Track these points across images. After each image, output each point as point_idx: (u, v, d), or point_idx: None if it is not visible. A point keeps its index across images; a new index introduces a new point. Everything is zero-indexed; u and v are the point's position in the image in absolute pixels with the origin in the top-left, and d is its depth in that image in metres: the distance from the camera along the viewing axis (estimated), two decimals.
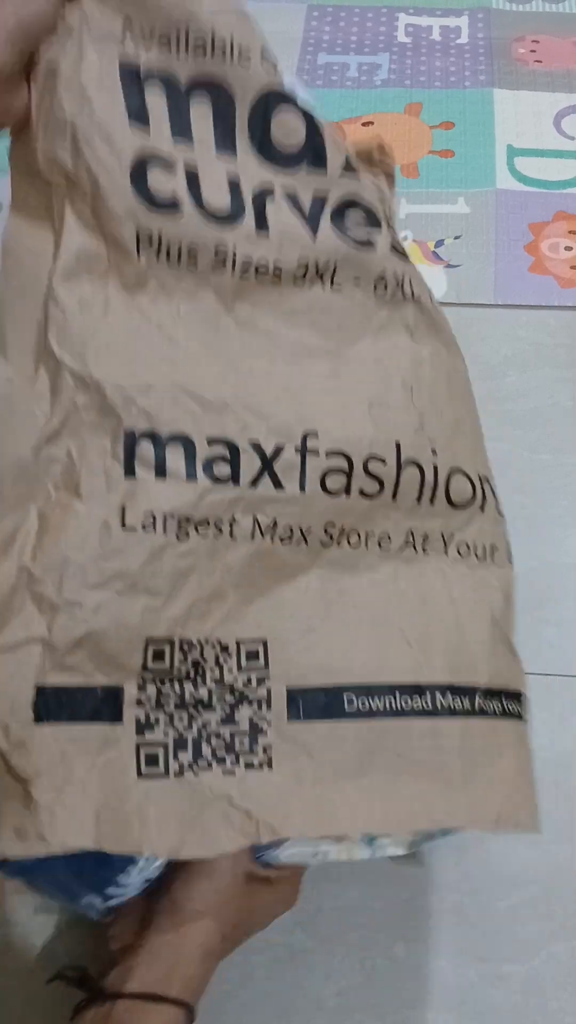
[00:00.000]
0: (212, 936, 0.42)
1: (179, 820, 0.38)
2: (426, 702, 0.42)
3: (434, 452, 0.45)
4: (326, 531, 0.43)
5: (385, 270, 0.46)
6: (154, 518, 0.39)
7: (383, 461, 0.43)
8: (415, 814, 0.41)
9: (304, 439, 0.42)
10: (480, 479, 0.47)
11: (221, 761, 0.39)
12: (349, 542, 0.44)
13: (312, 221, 0.44)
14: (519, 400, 0.77)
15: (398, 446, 0.44)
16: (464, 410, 0.49)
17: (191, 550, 0.40)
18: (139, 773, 0.38)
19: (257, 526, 0.41)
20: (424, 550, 0.45)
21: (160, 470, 0.39)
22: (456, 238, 0.87)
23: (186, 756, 0.39)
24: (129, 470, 0.39)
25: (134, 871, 0.43)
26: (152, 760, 0.38)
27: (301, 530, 0.42)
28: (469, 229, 0.87)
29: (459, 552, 0.46)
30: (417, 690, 0.42)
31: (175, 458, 0.40)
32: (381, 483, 0.43)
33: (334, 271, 0.45)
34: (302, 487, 0.42)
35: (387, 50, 1.03)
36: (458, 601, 0.45)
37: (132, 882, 0.43)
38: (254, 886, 0.44)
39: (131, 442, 0.39)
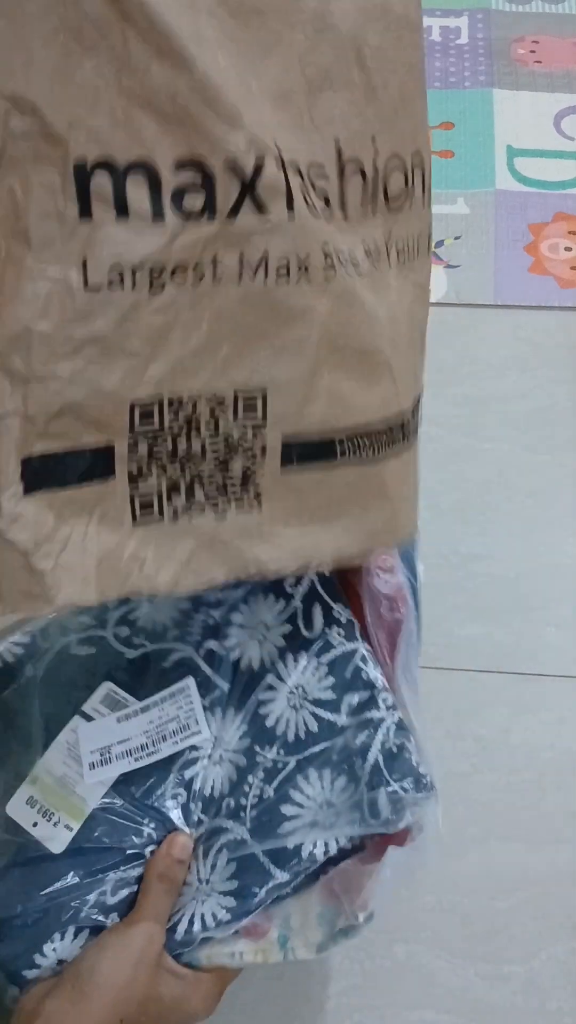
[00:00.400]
0: (108, 1014, 0.42)
1: (174, 560, 0.39)
2: (399, 435, 0.43)
3: (372, 140, 0.39)
4: (327, 263, 0.38)
5: None
6: (121, 274, 0.34)
7: (320, 166, 0.37)
8: (379, 535, 0.44)
9: (279, 149, 0.36)
10: (413, 161, 0.41)
11: (213, 505, 0.40)
12: (335, 270, 0.38)
13: None
14: (519, 400, 0.77)
15: (338, 148, 0.38)
16: (415, 81, 0.42)
17: (169, 303, 0.36)
18: (134, 520, 0.39)
19: (245, 264, 0.36)
20: (378, 264, 0.41)
21: (121, 208, 0.34)
22: (456, 239, 0.87)
23: (179, 500, 0.39)
24: (85, 210, 0.34)
25: (48, 948, 0.45)
26: (146, 506, 0.39)
27: (300, 261, 0.37)
28: (469, 230, 0.87)
29: (398, 258, 0.42)
30: (399, 424, 0.43)
31: (137, 193, 0.34)
32: (327, 199, 0.38)
33: None
34: (290, 211, 0.36)
35: None
36: (409, 314, 0.43)
37: (47, 963, 0.45)
38: (165, 977, 0.44)
39: (83, 175, 0.33)
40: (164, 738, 0.51)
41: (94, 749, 0.51)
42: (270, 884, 0.47)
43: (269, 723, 0.50)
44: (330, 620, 0.52)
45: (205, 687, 0.52)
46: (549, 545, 0.69)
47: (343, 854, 0.47)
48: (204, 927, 0.46)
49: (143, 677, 0.53)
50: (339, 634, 0.51)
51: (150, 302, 0.35)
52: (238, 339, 0.38)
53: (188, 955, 0.47)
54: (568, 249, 0.85)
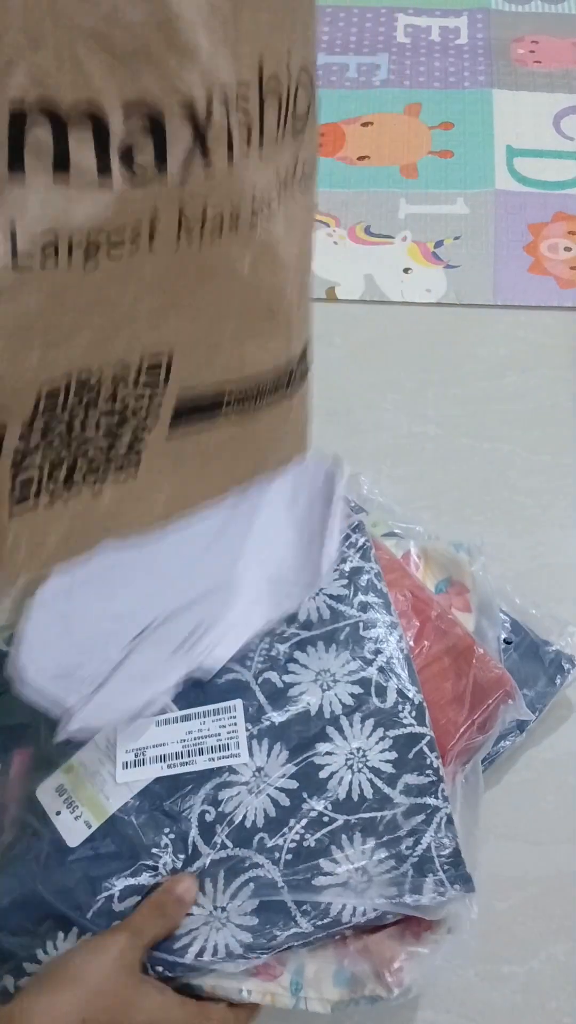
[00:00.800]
0: (75, 1009, 0.41)
1: (47, 543, 0.38)
2: (283, 384, 0.42)
3: (289, 54, 0.33)
4: (253, 210, 0.34)
5: None
6: (56, 247, 0.29)
7: (247, 96, 0.31)
8: (247, 476, 0.44)
9: (220, 81, 0.30)
10: (312, 80, 0.36)
11: (92, 483, 0.38)
12: (258, 217, 0.34)
13: None
14: (518, 400, 0.77)
15: (261, 66, 0.31)
16: None
17: (103, 280, 0.31)
18: (11, 507, 0.36)
19: (183, 225, 0.32)
20: (286, 196, 0.36)
21: (61, 163, 0.28)
22: (455, 239, 0.87)
23: (58, 483, 0.37)
24: (16, 165, 0.27)
25: (50, 945, 0.46)
26: (24, 493, 0.36)
27: (232, 213, 0.33)
28: (468, 230, 0.87)
29: (300, 184, 0.37)
30: (286, 373, 0.42)
31: (81, 145, 0.28)
32: (249, 130, 0.32)
33: None
34: (230, 155, 0.31)
35: (386, 50, 1.03)
36: (307, 245, 0.39)
37: (47, 959, 0.46)
38: (144, 987, 0.44)
39: (19, 121, 0.27)
40: (201, 752, 0.51)
41: (130, 749, 0.51)
42: (292, 931, 0.47)
43: (323, 775, 0.50)
44: (404, 698, 0.52)
45: (256, 715, 0.52)
46: (549, 545, 0.69)
47: (368, 923, 0.48)
48: (215, 956, 0.46)
49: (193, 689, 0.53)
50: (410, 714, 0.52)
51: (83, 279, 0.30)
52: (159, 305, 0.34)
53: (192, 980, 0.47)
54: (568, 249, 0.85)
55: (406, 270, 0.85)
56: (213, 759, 0.51)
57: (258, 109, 0.32)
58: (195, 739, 0.51)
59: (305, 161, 0.37)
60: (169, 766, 0.50)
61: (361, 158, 0.93)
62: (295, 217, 0.37)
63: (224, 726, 0.51)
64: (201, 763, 0.50)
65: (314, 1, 0.34)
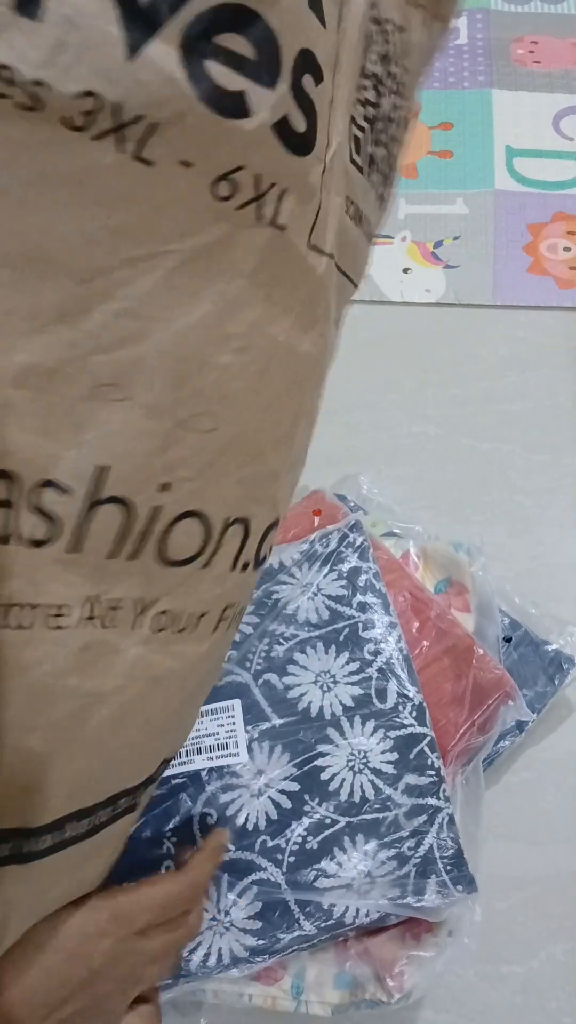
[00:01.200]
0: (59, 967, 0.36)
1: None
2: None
3: (165, 488, 0.29)
4: None
5: (247, 160, 0.26)
6: None
7: (64, 490, 0.26)
8: None
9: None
10: (226, 524, 0.31)
11: None
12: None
13: (135, 26, 0.23)
14: (518, 400, 0.77)
15: (101, 473, 0.27)
16: (274, 419, 0.31)
17: None
18: None
19: None
20: (105, 624, 0.30)
21: None
22: (455, 239, 0.87)
23: None
24: None
25: None
26: None
27: None
28: (468, 230, 0.87)
29: (153, 626, 0.31)
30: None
31: None
32: (53, 520, 0.27)
33: (148, 131, 0.24)
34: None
35: None
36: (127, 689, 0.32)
37: None
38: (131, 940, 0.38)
39: None
40: (199, 751, 0.51)
41: None
42: (296, 934, 0.47)
43: (324, 776, 0.50)
44: (404, 699, 0.52)
45: (257, 717, 0.52)
46: (549, 545, 0.69)
47: (371, 924, 0.48)
48: (220, 962, 0.46)
49: None
50: (411, 715, 0.52)
51: None
52: None
53: (196, 987, 0.47)
54: (567, 249, 0.85)
55: (405, 270, 0.85)
56: (212, 758, 0.50)
57: (76, 515, 0.28)
58: (194, 739, 0.51)
59: (171, 611, 0.31)
60: (168, 765, 0.50)
61: None
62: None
63: (222, 725, 0.51)
64: (200, 762, 0.50)
65: (263, 440, 0.31)
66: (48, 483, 0.26)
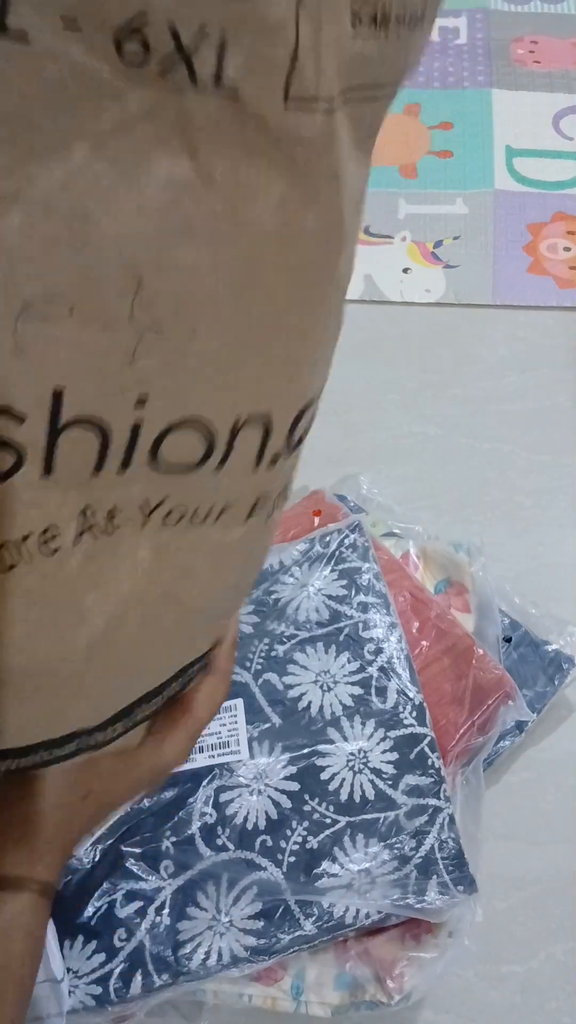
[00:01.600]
0: (66, 792, 0.34)
1: None
2: None
3: (141, 402, 0.26)
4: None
5: (149, 4, 0.20)
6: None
7: (18, 418, 0.24)
8: None
9: None
10: (235, 425, 0.29)
11: None
12: None
13: None
14: (518, 400, 0.77)
15: (57, 396, 0.25)
16: (280, 309, 0.27)
17: None
18: None
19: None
20: (108, 531, 0.29)
21: None
22: (455, 239, 0.87)
23: None
24: None
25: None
26: None
27: None
28: (468, 230, 0.87)
29: (169, 521, 0.30)
30: None
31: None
32: (17, 449, 0.25)
33: None
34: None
35: None
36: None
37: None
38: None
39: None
40: (201, 749, 0.51)
41: None
42: (296, 934, 0.47)
43: (324, 776, 0.50)
44: (404, 699, 0.52)
45: (257, 717, 0.52)
46: (549, 545, 0.69)
47: (371, 925, 0.48)
48: (219, 962, 0.46)
49: None
50: (411, 715, 0.52)
51: None
52: None
53: (196, 987, 0.47)
54: (567, 249, 0.85)
55: (405, 270, 0.85)
56: (214, 756, 0.51)
57: (43, 442, 0.26)
58: None
59: (184, 506, 0.30)
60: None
61: None
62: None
63: (224, 724, 0.51)
64: (201, 760, 0.50)
65: (267, 337, 0.28)
66: (1, 412, 0.24)
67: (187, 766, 0.50)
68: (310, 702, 0.52)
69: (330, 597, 0.56)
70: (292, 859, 0.48)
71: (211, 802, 0.50)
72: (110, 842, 0.49)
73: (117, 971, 0.46)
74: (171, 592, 0.31)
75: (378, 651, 0.54)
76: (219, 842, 0.49)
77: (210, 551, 0.32)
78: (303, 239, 0.26)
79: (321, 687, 0.53)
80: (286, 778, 0.50)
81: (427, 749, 0.51)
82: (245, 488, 0.31)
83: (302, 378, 0.30)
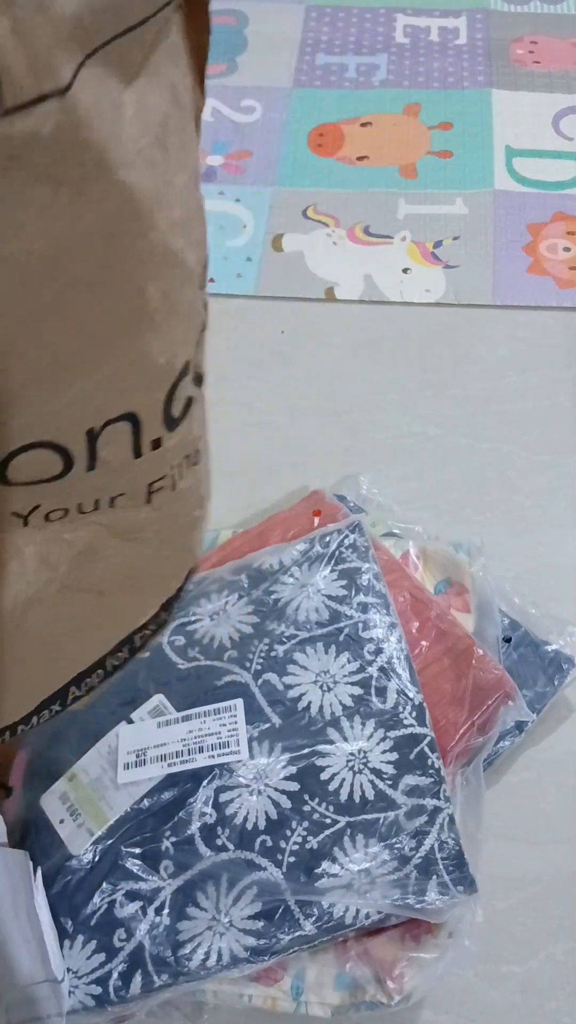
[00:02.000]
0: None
1: None
2: None
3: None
4: None
5: None
6: None
7: None
8: None
9: None
10: (92, 433, 0.27)
11: None
12: None
13: None
14: (517, 400, 0.77)
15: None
16: (101, 308, 0.24)
17: None
18: None
19: None
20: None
21: None
22: (454, 239, 0.87)
23: None
24: None
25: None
26: None
27: None
28: (467, 230, 0.87)
29: (52, 518, 0.30)
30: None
31: None
32: None
33: None
34: None
35: (385, 51, 1.03)
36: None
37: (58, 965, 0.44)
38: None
39: None
40: (201, 749, 0.51)
41: (131, 750, 0.51)
42: (296, 934, 0.47)
43: (324, 776, 0.50)
44: (404, 699, 0.52)
45: (257, 717, 0.52)
46: (548, 546, 0.69)
47: (371, 925, 0.48)
48: (219, 962, 0.46)
49: (192, 691, 0.53)
50: (411, 715, 0.52)
51: None
52: None
53: (195, 987, 0.47)
54: (567, 249, 0.85)
55: (405, 270, 0.85)
56: (213, 756, 0.51)
57: None
58: (195, 738, 0.51)
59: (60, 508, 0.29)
60: (169, 764, 0.50)
61: (360, 158, 0.93)
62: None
63: (224, 724, 0.51)
64: (202, 760, 0.50)
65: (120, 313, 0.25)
66: None
67: (187, 766, 0.50)
68: (310, 702, 0.52)
69: (330, 597, 0.56)
70: (292, 859, 0.48)
71: (211, 802, 0.49)
72: (110, 842, 0.49)
73: (117, 971, 0.46)
74: (74, 579, 0.31)
75: (378, 651, 0.54)
76: (219, 842, 0.49)
77: (114, 533, 0.31)
78: (90, 238, 0.23)
79: (321, 687, 0.53)
80: (286, 778, 0.50)
81: (427, 749, 0.51)
82: (133, 475, 0.29)
83: (156, 363, 0.27)
